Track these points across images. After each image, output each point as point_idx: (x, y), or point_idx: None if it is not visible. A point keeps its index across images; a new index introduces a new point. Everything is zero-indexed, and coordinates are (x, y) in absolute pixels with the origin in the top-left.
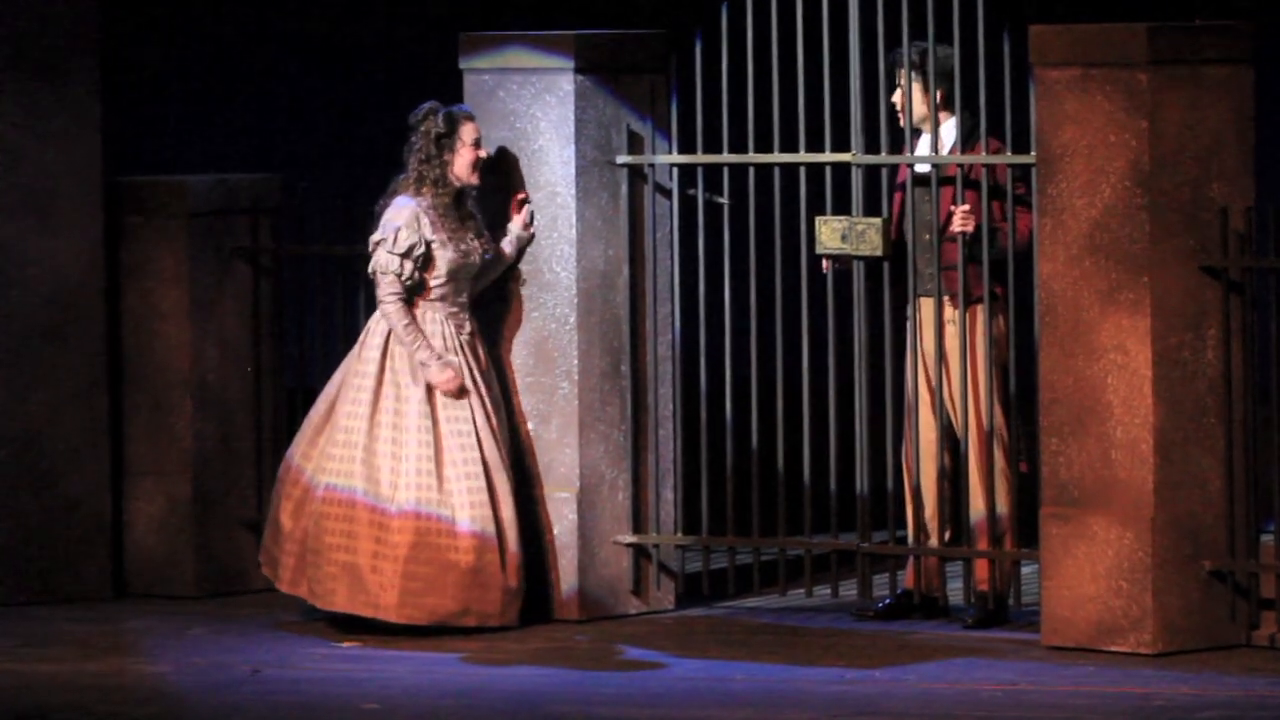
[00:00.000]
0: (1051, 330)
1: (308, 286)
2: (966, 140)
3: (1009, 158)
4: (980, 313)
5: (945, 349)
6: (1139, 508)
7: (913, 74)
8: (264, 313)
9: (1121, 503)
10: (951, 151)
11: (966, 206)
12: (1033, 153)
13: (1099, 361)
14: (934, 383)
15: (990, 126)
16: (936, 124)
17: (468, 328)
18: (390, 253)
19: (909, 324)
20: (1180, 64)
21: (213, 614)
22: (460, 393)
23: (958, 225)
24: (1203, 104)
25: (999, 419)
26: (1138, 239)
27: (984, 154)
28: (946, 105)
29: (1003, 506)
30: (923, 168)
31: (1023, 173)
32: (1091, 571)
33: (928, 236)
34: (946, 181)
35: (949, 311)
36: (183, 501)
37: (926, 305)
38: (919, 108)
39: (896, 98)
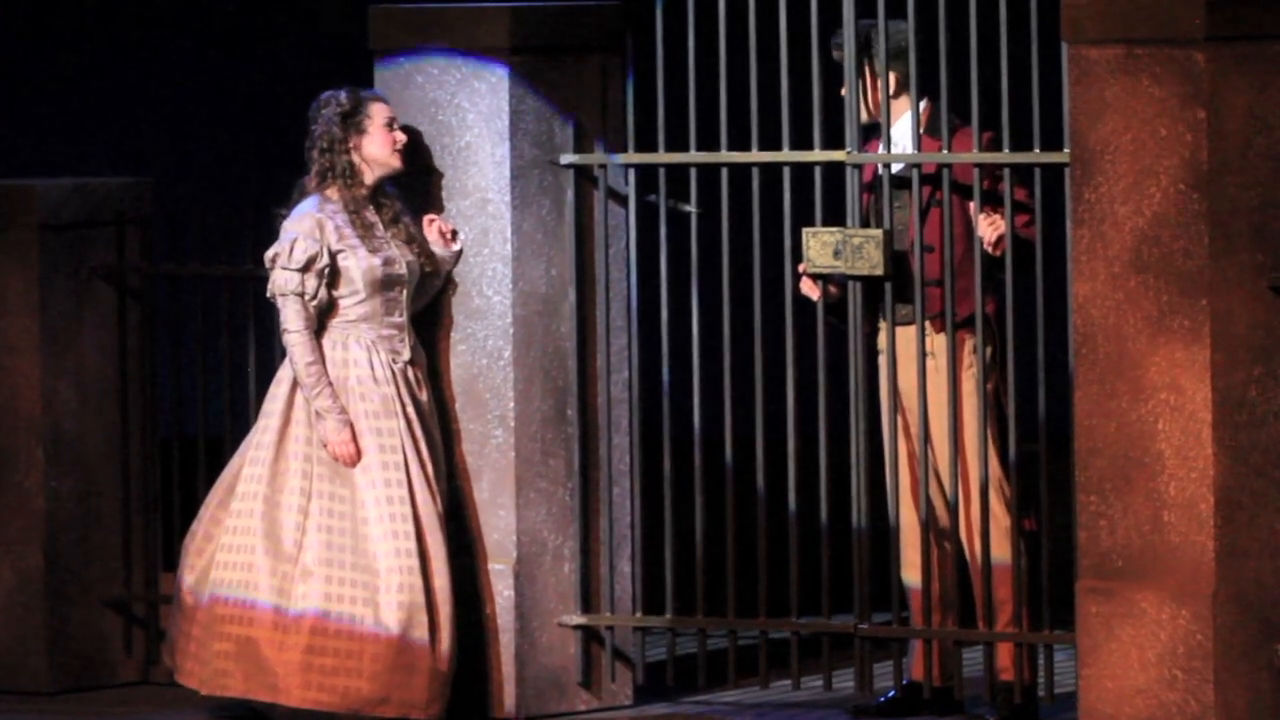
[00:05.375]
0: (1089, 365)
1: (185, 314)
2: (935, 131)
3: (1038, 156)
4: (969, 338)
5: (927, 386)
6: (1197, 581)
7: (864, 58)
8: (132, 346)
9: (1176, 574)
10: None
11: (992, 215)
12: (1065, 150)
13: (1148, 403)
14: (917, 429)
15: (1015, 119)
16: (888, 115)
17: (405, 354)
18: (286, 269)
19: (881, 358)
20: (1246, 40)
21: (72, 713)
22: (351, 461)
23: (990, 234)
24: (1273, 89)
25: (995, 468)
26: (1194, 254)
27: (975, 148)
28: (903, 91)
29: (1006, 581)
30: (899, 167)
31: (992, 170)
32: (1140, 658)
33: (901, 248)
34: (924, 182)
35: (931, 340)
36: (33, 576)
37: (905, 334)
38: (873, 97)
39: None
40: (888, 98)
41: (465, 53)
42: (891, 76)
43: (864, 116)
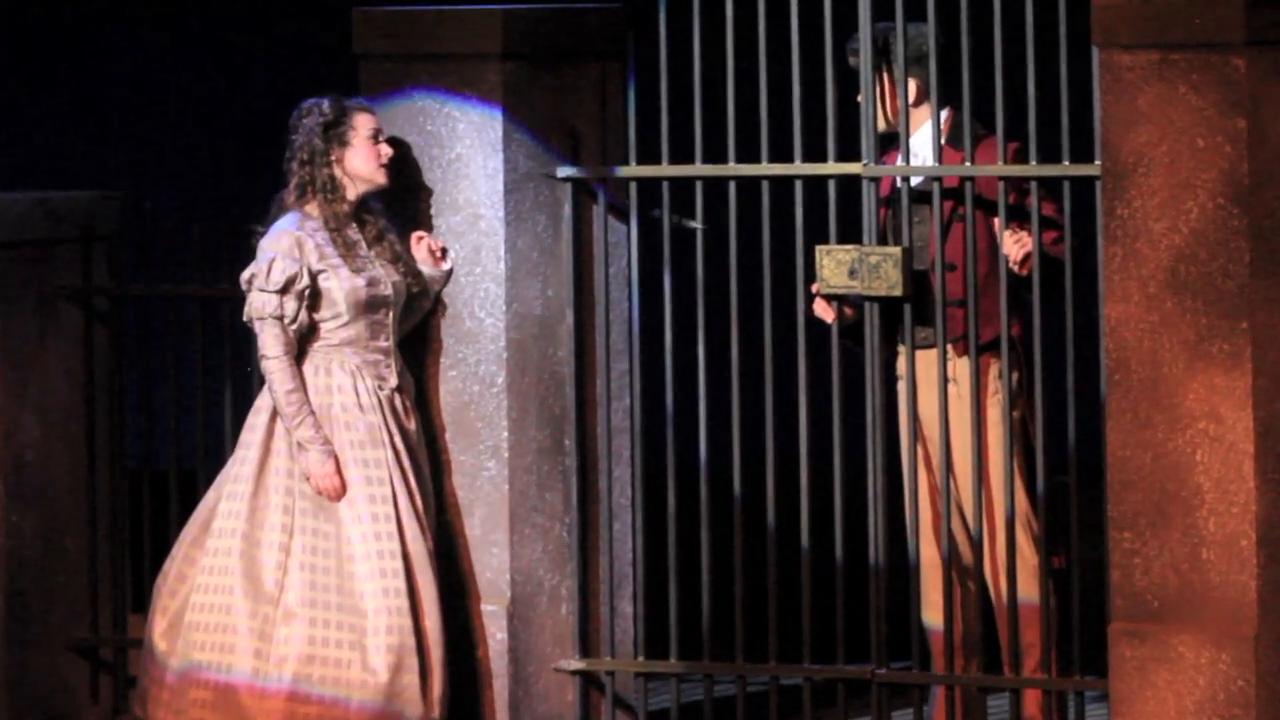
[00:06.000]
0: (1123, 392)
1: (155, 338)
2: (958, 142)
3: (1067, 168)
4: (994, 363)
5: (949, 414)
6: (1238, 622)
7: (882, 64)
8: (99, 372)
9: (1216, 616)
10: (951, 155)
11: (1019, 232)
12: (1097, 162)
13: (1185, 432)
14: (939, 460)
15: (1043, 128)
16: (907, 124)
17: (392, 381)
18: (264, 291)
19: (900, 384)
20: None
21: None
22: (335, 495)
23: (1016, 252)
24: None
25: (1022, 501)
26: (1234, 273)
27: (1001, 160)
28: (923, 99)
29: (1033, 623)
30: (919, 180)
31: (1018, 184)
32: (1177, 706)
33: (921, 267)
34: (946, 196)
35: (953, 364)
36: None
37: (925, 359)
38: (891, 105)
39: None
40: (907, 106)
41: (455, 58)
42: (911, 83)
43: (881, 126)
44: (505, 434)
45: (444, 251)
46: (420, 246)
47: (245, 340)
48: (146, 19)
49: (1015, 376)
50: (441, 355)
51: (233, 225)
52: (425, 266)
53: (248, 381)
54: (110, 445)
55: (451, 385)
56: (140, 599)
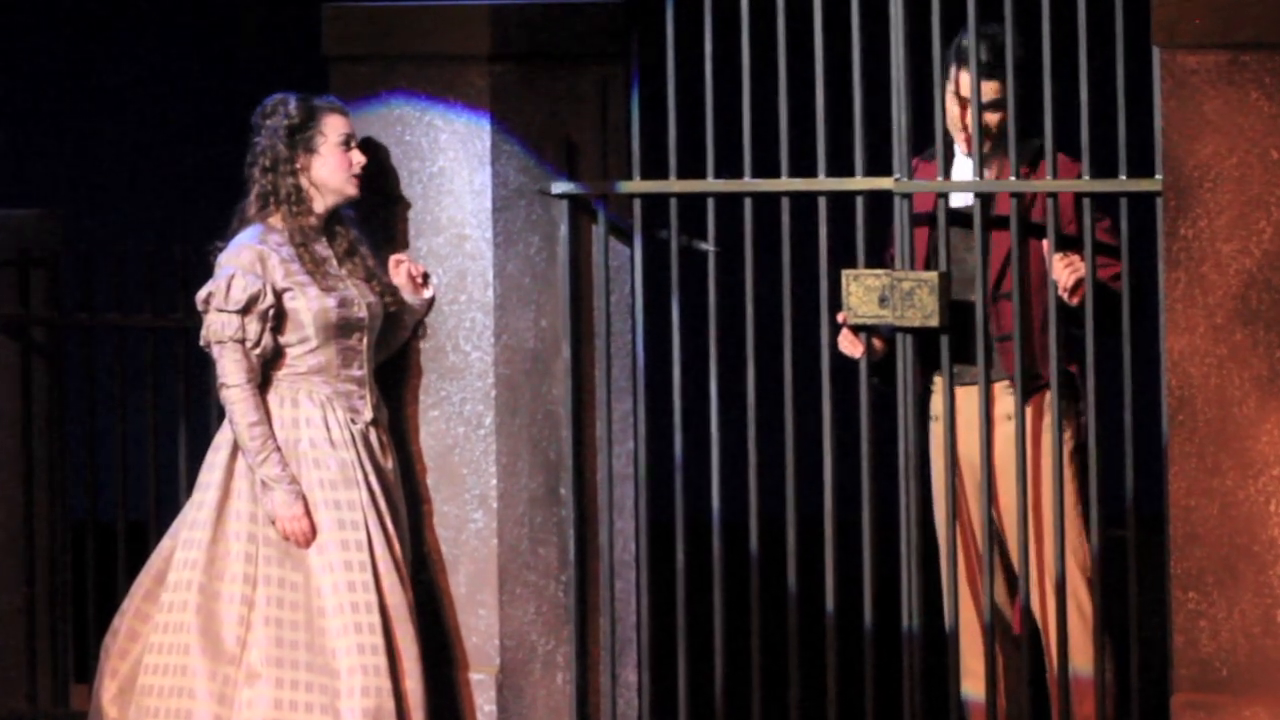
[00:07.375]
0: (1187, 435)
1: (101, 372)
2: (1030, 162)
3: (1124, 184)
4: (1048, 403)
5: (992, 459)
6: None
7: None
8: (38, 411)
9: None
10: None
11: (1070, 256)
12: (1157, 176)
13: (1258, 480)
14: (980, 511)
15: (1096, 139)
16: (945, 134)
17: (366, 414)
18: (223, 311)
19: (935, 425)
20: None
21: None
22: (304, 540)
23: (1067, 277)
24: None
25: (1075, 557)
26: None
27: (1050, 176)
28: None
29: (1087, 694)
30: (962, 201)
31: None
32: None
33: (969, 295)
34: (998, 220)
35: (1002, 403)
36: None
37: (966, 397)
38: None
39: (951, 111)
40: (943, 113)
41: (437, 60)
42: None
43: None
44: (494, 481)
45: (425, 277)
46: (399, 272)
47: (202, 376)
48: (86, 16)
49: (1067, 418)
50: (422, 393)
51: (187, 246)
52: (405, 294)
53: (205, 422)
54: (50, 494)
55: (434, 426)
56: (83, 667)
